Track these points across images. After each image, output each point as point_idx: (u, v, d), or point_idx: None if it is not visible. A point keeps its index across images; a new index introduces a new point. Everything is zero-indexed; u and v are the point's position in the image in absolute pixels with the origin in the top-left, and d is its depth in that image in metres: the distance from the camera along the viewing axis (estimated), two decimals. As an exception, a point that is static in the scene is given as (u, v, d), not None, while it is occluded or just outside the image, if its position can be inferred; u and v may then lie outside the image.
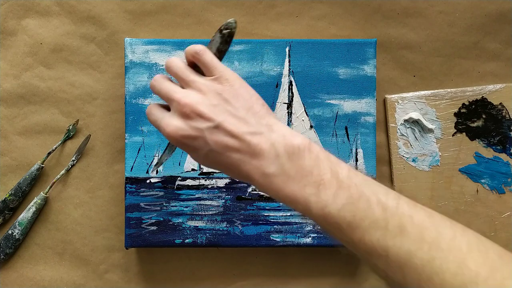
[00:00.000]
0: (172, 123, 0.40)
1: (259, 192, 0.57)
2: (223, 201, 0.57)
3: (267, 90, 0.57)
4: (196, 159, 0.42)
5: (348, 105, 0.57)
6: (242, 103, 0.40)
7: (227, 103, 0.40)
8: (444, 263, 0.34)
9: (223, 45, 0.43)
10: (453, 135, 0.60)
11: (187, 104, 0.39)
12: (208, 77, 0.41)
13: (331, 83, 0.57)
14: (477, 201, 0.60)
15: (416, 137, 0.60)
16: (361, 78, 0.57)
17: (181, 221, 0.57)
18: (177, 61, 0.43)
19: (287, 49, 0.57)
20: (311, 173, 0.37)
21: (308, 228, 0.57)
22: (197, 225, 0.57)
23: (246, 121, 0.39)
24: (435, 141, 0.60)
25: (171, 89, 0.41)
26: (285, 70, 0.57)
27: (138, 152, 0.57)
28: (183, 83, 0.41)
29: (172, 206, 0.57)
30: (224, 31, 0.42)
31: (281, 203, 0.57)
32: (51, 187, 0.60)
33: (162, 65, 0.57)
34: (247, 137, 0.38)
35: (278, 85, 0.57)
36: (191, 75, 0.41)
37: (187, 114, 0.39)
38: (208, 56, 0.42)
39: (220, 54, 0.43)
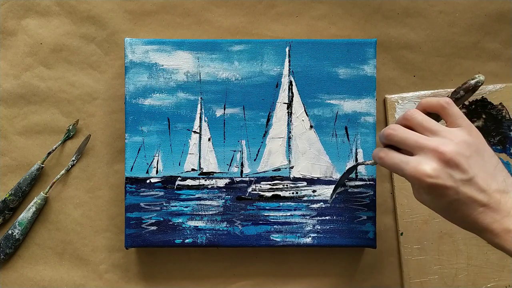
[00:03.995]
0: (426, 167, 0.40)
1: (259, 192, 0.57)
2: (223, 201, 0.57)
3: (267, 90, 0.57)
4: (429, 201, 0.42)
5: (348, 105, 0.57)
6: (488, 158, 0.41)
7: (478, 156, 0.41)
8: None
9: (466, 97, 0.44)
10: (453, 135, 0.60)
11: (446, 152, 0.40)
12: (453, 128, 0.42)
13: (331, 83, 0.57)
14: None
15: (416, 137, 0.60)
16: (361, 78, 0.57)
17: (181, 221, 0.57)
18: (419, 111, 0.43)
19: (287, 49, 0.57)
20: None
21: (308, 228, 0.57)
22: (197, 225, 0.57)
23: (495, 178, 0.40)
24: (435, 141, 0.60)
25: (420, 136, 0.42)
26: (285, 70, 0.57)
27: (138, 152, 0.57)
28: (428, 132, 0.42)
29: (172, 206, 0.57)
30: (475, 87, 0.44)
31: (281, 204, 0.57)
32: (51, 187, 0.60)
33: (162, 65, 0.57)
34: (496, 195, 0.40)
35: (278, 85, 0.57)
36: (437, 125, 0.42)
37: (445, 161, 0.40)
38: (456, 107, 0.43)
39: (458, 104, 0.45)
